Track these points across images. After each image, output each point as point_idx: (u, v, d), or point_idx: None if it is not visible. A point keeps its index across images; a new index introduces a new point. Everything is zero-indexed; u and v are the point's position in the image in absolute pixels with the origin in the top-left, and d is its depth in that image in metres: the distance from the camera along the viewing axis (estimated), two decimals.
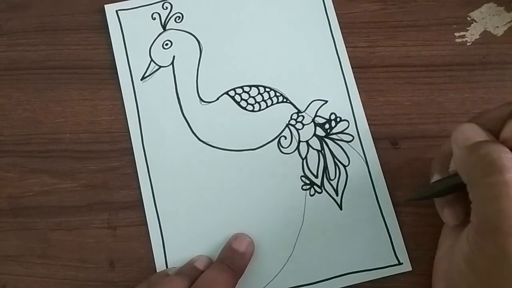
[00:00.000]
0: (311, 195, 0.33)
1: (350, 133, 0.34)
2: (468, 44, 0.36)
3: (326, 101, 0.35)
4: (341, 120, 0.35)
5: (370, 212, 0.33)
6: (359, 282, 0.32)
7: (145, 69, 0.36)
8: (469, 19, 0.37)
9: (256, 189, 0.33)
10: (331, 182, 0.33)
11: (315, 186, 0.33)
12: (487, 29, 0.36)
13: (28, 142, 0.35)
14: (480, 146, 0.23)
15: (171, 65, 0.36)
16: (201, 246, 0.32)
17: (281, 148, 0.34)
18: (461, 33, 0.36)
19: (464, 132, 0.24)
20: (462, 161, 0.24)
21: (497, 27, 0.36)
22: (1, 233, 0.33)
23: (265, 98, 0.35)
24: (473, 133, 0.24)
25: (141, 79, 0.35)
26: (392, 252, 0.32)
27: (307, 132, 0.34)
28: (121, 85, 0.35)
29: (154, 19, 0.37)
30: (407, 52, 0.36)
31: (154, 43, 0.36)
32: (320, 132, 0.34)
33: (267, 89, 0.35)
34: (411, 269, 0.32)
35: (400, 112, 0.35)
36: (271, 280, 0.32)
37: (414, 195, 0.30)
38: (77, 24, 0.37)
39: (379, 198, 0.33)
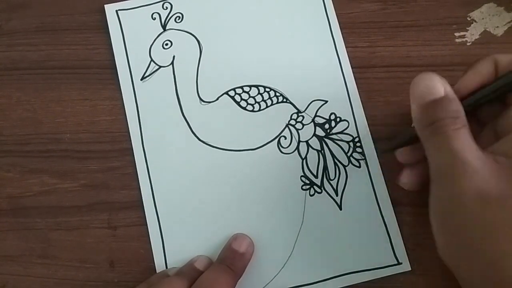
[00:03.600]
0: (311, 195, 0.33)
1: (350, 133, 0.34)
2: (468, 44, 0.36)
3: (326, 101, 0.35)
4: (341, 120, 0.35)
5: (370, 212, 0.33)
6: (359, 282, 0.32)
7: (145, 69, 0.36)
8: (469, 19, 0.36)
9: (256, 189, 0.33)
10: (331, 182, 0.34)
11: (315, 186, 0.33)
12: (487, 29, 0.36)
13: (28, 142, 0.35)
14: (428, 108, 0.25)
15: (171, 65, 0.36)
16: (201, 247, 0.33)
17: (281, 148, 0.34)
18: (461, 33, 0.36)
19: (418, 86, 0.26)
20: (416, 118, 0.26)
21: (497, 27, 0.36)
22: (1, 233, 0.34)
23: (265, 98, 0.35)
24: (426, 88, 0.25)
25: (141, 79, 0.35)
26: (392, 252, 0.32)
27: (307, 132, 0.34)
28: (121, 85, 0.35)
29: (154, 19, 0.37)
30: (407, 52, 0.36)
31: (154, 43, 0.36)
32: (320, 132, 0.34)
33: (267, 89, 0.35)
34: (410, 269, 0.32)
35: (400, 112, 0.35)
36: (271, 280, 0.32)
37: (388, 145, 0.32)
38: (77, 24, 0.37)
39: (378, 198, 0.33)
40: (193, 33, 0.36)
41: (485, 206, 0.22)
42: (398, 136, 0.32)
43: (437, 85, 0.25)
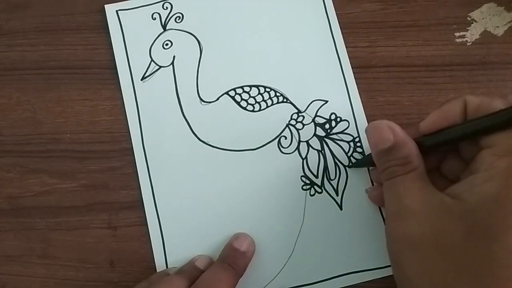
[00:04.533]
0: (311, 195, 0.33)
1: (350, 133, 0.34)
2: (468, 44, 0.36)
3: (326, 101, 0.35)
4: (341, 120, 0.35)
5: (370, 212, 0.33)
6: (359, 282, 0.32)
7: (145, 69, 0.36)
8: (469, 19, 0.37)
9: (256, 189, 0.33)
10: (331, 182, 0.34)
11: (315, 186, 0.33)
12: (487, 29, 0.36)
13: (28, 142, 0.35)
14: (381, 156, 0.27)
15: (171, 65, 0.36)
16: (201, 246, 0.32)
17: (281, 148, 0.34)
18: (461, 33, 0.36)
19: (371, 134, 0.28)
20: (376, 162, 0.28)
21: (497, 27, 0.36)
22: (1, 233, 0.34)
23: (265, 98, 0.35)
24: (377, 137, 0.28)
25: (141, 79, 0.35)
26: None
27: (307, 132, 0.34)
28: (121, 85, 0.35)
29: (154, 19, 0.37)
30: (407, 52, 0.36)
31: (154, 43, 0.36)
32: (320, 132, 0.34)
33: (267, 89, 0.35)
34: None
35: (400, 112, 0.35)
36: (272, 280, 0.32)
37: (354, 163, 0.34)
38: (77, 24, 0.37)
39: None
40: (193, 33, 0.36)
41: (416, 246, 0.24)
42: (368, 156, 0.32)
43: (385, 134, 0.27)
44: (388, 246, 0.27)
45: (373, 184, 0.33)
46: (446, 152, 0.29)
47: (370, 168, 0.33)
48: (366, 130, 0.29)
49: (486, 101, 0.26)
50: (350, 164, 0.34)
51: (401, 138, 0.27)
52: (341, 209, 0.33)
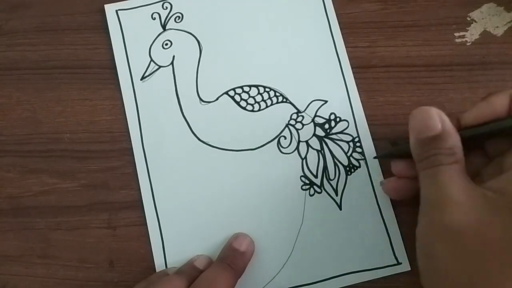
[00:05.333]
0: (310, 195, 0.33)
1: (350, 133, 0.34)
2: (468, 44, 0.36)
3: (326, 101, 0.35)
4: (340, 120, 0.35)
5: (370, 212, 0.33)
6: (359, 282, 0.32)
7: (145, 69, 0.36)
8: (469, 19, 0.36)
9: (256, 189, 0.33)
10: (331, 182, 0.34)
11: (314, 186, 0.33)
12: (487, 29, 0.36)
13: (28, 142, 0.35)
14: (426, 143, 0.26)
15: (171, 65, 0.36)
16: (201, 246, 0.33)
17: (281, 148, 0.34)
18: (461, 33, 0.36)
19: (417, 120, 0.27)
20: (414, 150, 0.27)
21: (497, 27, 0.36)
22: (1, 233, 0.34)
23: (264, 98, 0.35)
24: (424, 123, 0.27)
25: (141, 79, 0.35)
26: (391, 252, 0.32)
27: (306, 132, 0.34)
28: (121, 85, 0.35)
29: (154, 19, 0.37)
30: (407, 52, 0.36)
31: (154, 43, 0.36)
32: (319, 132, 0.34)
33: (267, 89, 0.35)
34: (410, 269, 0.32)
35: (400, 112, 0.35)
36: (271, 280, 0.32)
37: (381, 154, 0.33)
38: (77, 24, 0.37)
39: (378, 198, 0.33)
40: (193, 33, 0.36)
41: (458, 237, 0.24)
42: (395, 148, 0.32)
43: (434, 121, 0.26)
44: (421, 236, 0.26)
45: (372, 185, 0.33)
46: (472, 147, 0.29)
47: (392, 161, 0.32)
48: (411, 115, 0.27)
49: None
50: (378, 155, 0.33)
51: (449, 127, 0.26)
52: (340, 209, 0.33)
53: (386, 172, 0.33)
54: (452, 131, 0.26)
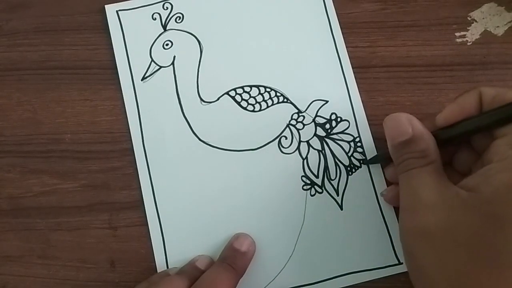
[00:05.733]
0: (311, 195, 0.33)
1: (351, 133, 0.34)
2: (468, 44, 0.36)
3: (327, 101, 0.35)
4: (341, 120, 0.35)
5: (371, 212, 0.33)
6: (359, 282, 0.32)
7: (146, 69, 0.36)
8: (469, 19, 0.37)
9: (257, 189, 0.33)
10: (332, 182, 0.34)
11: (315, 186, 0.33)
12: (488, 29, 0.36)
13: (28, 143, 0.35)
14: (398, 149, 0.28)
15: (171, 65, 0.36)
16: (202, 246, 0.32)
17: (282, 148, 0.34)
18: (462, 33, 0.36)
19: (389, 127, 0.28)
20: (392, 155, 0.29)
21: (498, 27, 0.36)
22: (1, 233, 0.34)
23: (265, 98, 0.35)
24: (396, 129, 0.28)
25: (142, 79, 0.35)
26: (392, 252, 0.32)
27: (307, 132, 0.34)
28: (121, 85, 0.35)
29: (155, 19, 0.37)
30: (407, 52, 0.36)
31: (155, 43, 0.36)
32: (320, 132, 0.34)
33: (268, 89, 0.35)
34: None
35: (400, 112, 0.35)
36: (272, 280, 0.32)
37: (369, 159, 0.33)
38: (77, 24, 0.37)
39: (379, 198, 0.33)
40: (193, 33, 0.36)
41: (430, 238, 0.24)
42: (381, 152, 0.32)
43: (403, 127, 0.27)
44: (402, 238, 0.27)
45: (373, 185, 0.33)
46: (458, 145, 0.29)
47: (385, 167, 0.33)
48: (384, 122, 0.28)
49: (502, 92, 0.26)
50: (365, 160, 0.34)
51: (419, 131, 0.27)
52: (341, 209, 0.33)
53: None
54: (423, 134, 0.27)
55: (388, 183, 0.33)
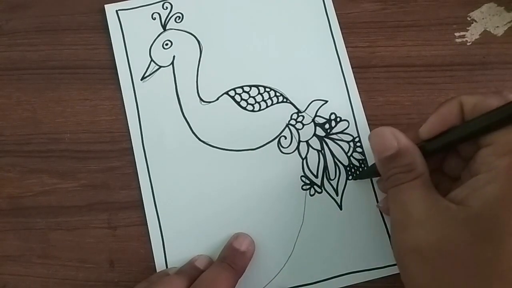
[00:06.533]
0: (311, 195, 0.33)
1: (350, 133, 0.34)
2: (468, 44, 0.36)
3: (326, 101, 0.35)
4: (341, 120, 0.35)
5: (370, 212, 0.33)
6: (359, 282, 0.32)
7: (145, 69, 0.36)
8: (469, 19, 0.36)
9: (256, 189, 0.33)
10: (331, 182, 0.34)
11: (315, 186, 0.33)
12: (487, 29, 0.36)
13: (28, 142, 0.35)
14: (385, 163, 0.27)
15: (171, 65, 0.36)
16: (201, 246, 0.33)
17: (281, 148, 0.34)
18: (461, 33, 0.36)
19: (374, 141, 0.28)
20: (379, 170, 0.28)
21: (497, 27, 0.36)
22: (1, 233, 0.34)
23: (265, 98, 0.35)
24: (381, 143, 0.27)
25: (141, 79, 0.35)
26: (392, 252, 0.32)
27: (307, 132, 0.34)
28: (121, 85, 0.35)
29: (154, 19, 0.37)
30: (407, 52, 0.36)
31: (154, 43, 0.36)
32: (320, 132, 0.34)
33: (267, 89, 0.35)
34: None
35: (400, 112, 0.35)
36: (271, 280, 0.32)
37: (357, 175, 0.33)
38: (77, 24, 0.37)
39: (378, 198, 0.33)
40: (193, 33, 0.36)
41: (422, 255, 0.24)
42: (371, 167, 0.32)
43: (388, 141, 0.27)
44: (395, 254, 0.27)
45: (373, 185, 0.33)
46: (446, 152, 0.29)
47: (376, 179, 0.33)
48: (369, 138, 0.28)
49: (482, 100, 0.25)
50: (354, 175, 0.34)
51: (404, 144, 0.26)
52: (341, 209, 0.33)
53: None
54: (408, 147, 0.26)
55: None
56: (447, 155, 0.29)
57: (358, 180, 0.33)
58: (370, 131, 0.34)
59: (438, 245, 0.24)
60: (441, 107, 0.27)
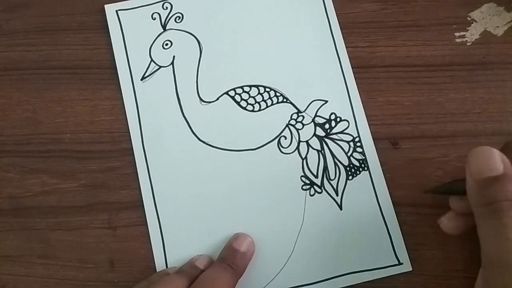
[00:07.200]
0: (311, 195, 0.33)
1: (350, 133, 0.34)
2: (468, 44, 0.36)
3: (326, 101, 0.35)
4: (341, 120, 0.35)
5: (370, 212, 0.33)
6: (359, 282, 0.32)
7: (145, 69, 0.36)
8: (469, 19, 0.36)
9: (256, 189, 0.33)
10: (331, 182, 0.33)
11: (315, 186, 0.33)
12: (487, 29, 0.36)
13: (28, 142, 0.35)
14: (486, 185, 0.24)
15: (171, 65, 0.36)
16: (201, 246, 0.33)
17: (281, 148, 0.34)
18: (461, 33, 0.36)
19: (476, 160, 0.24)
20: (471, 193, 0.25)
21: (497, 27, 0.36)
22: (1, 233, 0.34)
23: (265, 98, 0.35)
24: (485, 163, 0.24)
25: (141, 79, 0.35)
26: (392, 252, 0.32)
27: (307, 132, 0.34)
28: (121, 85, 0.35)
29: (154, 19, 0.37)
30: (407, 52, 0.36)
31: (154, 43, 0.36)
32: (320, 132, 0.34)
33: (267, 89, 0.35)
34: (411, 269, 0.32)
35: (400, 112, 0.35)
36: (271, 280, 0.32)
37: (433, 188, 0.31)
38: (77, 24, 0.37)
39: (379, 198, 0.33)
40: (193, 33, 0.36)
41: None
42: (452, 184, 0.30)
43: (496, 161, 0.24)
44: None
45: (373, 185, 0.33)
46: None
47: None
48: (470, 154, 0.25)
49: None
50: (437, 189, 0.31)
51: (511, 170, 0.24)
52: (341, 209, 0.33)
53: (387, 172, 0.33)
54: None
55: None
56: None
57: (433, 193, 0.31)
58: (370, 131, 0.34)
59: None
60: None
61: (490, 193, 0.24)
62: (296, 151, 0.34)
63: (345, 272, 0.32)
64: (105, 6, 0.37)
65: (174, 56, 0.36)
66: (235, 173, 0.34)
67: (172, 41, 0.36)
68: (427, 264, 0.32)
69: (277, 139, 0.34)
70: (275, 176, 0.34)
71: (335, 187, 0.33)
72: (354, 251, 0.32)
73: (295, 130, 0.34)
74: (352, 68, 0.36)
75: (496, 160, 0.24)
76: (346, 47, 0.36)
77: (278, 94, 0.35)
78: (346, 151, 0.34)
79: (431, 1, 0.37)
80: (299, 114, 0.35)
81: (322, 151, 0.34)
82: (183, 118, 0.35)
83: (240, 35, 0.36)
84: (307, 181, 0.33)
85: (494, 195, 0.23)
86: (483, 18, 0.36)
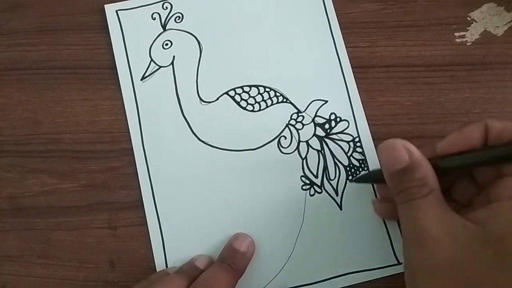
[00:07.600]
0: (311, 195, 0.33)
1: (350, 133, 0.34)
2: (468, 44, 0.36)
3: (326, 101, 0.35)
4: (341, 120, 0.35)
5: (370, 212, 0.33)
6: (359, 282, 0.32)
7: (145, 69, 0.36)
8: (469, 19, 0.36)
9: (256, 189, 0.33)
10: (331, 182, 0.34)
11: (315, 186, 0.33)
12: (487, 29, 0.36)
13: (28, 142, 0.35)
14: (396, 176, 0.26)
15: (171, 65, 0.36)
16: (201, 246, 0.33)
17: (281, 148, 0.34)
18: (461, 33, 0.36)
19: (384, 154, 0.27)
20: (388, 183, 0.27)
21: (497, 27, 0.36)
22: (1, 233, 0.34)
23: (265, 98, 0.35)
24: (391, 157, 0.26)
25: (141, 79, 0.35)
26: (392, 252, 0.32)
27: (307, 132, 0.34)
28: (121, 85, 0.35)
29: (154, 19, 0.37)
30: (407, 52, 0.36)
31: (154, 43, 0.36)
32: (320, 132, 0.34)
33: (267, 89, 0.35)
34: None
35: (400, 112, 0.35)
36: (271, 280, 0.32)
37: (357, 177, 0.33)
38: (77, 24, 0.37)
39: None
40: (193, 33, 0.36)
41: (438, 274, 0.23)
42: (373, 173, 0.32)
43: (400, 154, 0.26)
44: (406, 273, 0.26)
45: (373, 185, 0.33)
46: (459, 175, 0.29)
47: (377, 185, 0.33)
48: (378, 150, 0.27)
49: (509, 127, 0.25)
50: (353, 177, 0.33)
51: (417, 158, 0.26)
52: (341, 209, 0.33)
53: None
54: (421, 161, 0.26)
55: None
56: (459, 179, 0.29)
57: (357, 183, 0.33)
58: (370, 131, 0.34)
59: (456, 264, 0.23)
60: (465, 127, 0.26)
61: (399, 183, 0.26)
62: (296, 151, 0.34)
63: (345, 272, 0.32)
64: (105, 6, 0.37)
65: (174, 56, 0.36)
66: (235, 173, 0.34)
67: (172, 41, 0.36)
68: None
69: (277, 139, 0.34)
70: (275, 176, 0.34)
71: (335, 187, 0.33)
72: (353, 251, 0.32)
73: (295, 130, 0.34)
74: (352, 68, 0.36)
75: (400, 153, 0.26)
76: (346, 47, 0.36)
77: (278, 94, 0.35)
78: (346, 151, 0.34)
79: (431, 1, 0.37)
80: (299, 114, 0.35)
81: (322, 151, 0.34)
82: (183, 118, 0.35)
83: (240, 35, 0.36)
84: (307, 181, 0.33)
85: (403, 184, 0.26)
86: (483, 18, 0.36)
